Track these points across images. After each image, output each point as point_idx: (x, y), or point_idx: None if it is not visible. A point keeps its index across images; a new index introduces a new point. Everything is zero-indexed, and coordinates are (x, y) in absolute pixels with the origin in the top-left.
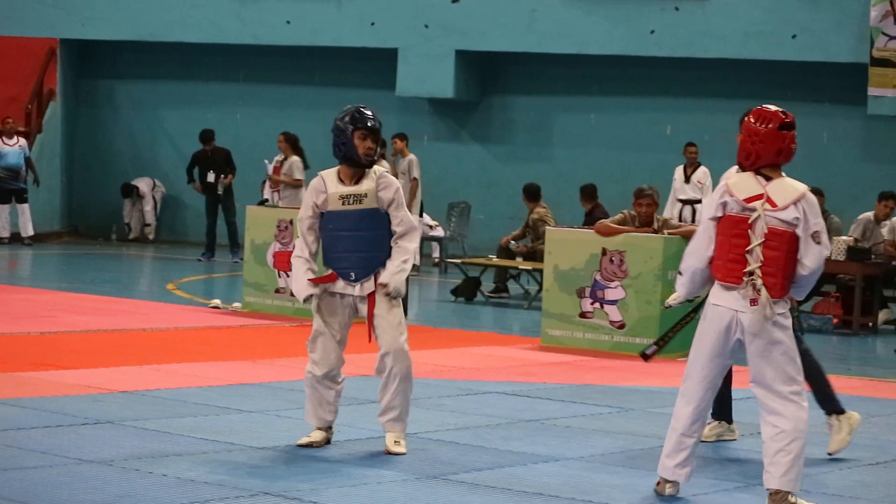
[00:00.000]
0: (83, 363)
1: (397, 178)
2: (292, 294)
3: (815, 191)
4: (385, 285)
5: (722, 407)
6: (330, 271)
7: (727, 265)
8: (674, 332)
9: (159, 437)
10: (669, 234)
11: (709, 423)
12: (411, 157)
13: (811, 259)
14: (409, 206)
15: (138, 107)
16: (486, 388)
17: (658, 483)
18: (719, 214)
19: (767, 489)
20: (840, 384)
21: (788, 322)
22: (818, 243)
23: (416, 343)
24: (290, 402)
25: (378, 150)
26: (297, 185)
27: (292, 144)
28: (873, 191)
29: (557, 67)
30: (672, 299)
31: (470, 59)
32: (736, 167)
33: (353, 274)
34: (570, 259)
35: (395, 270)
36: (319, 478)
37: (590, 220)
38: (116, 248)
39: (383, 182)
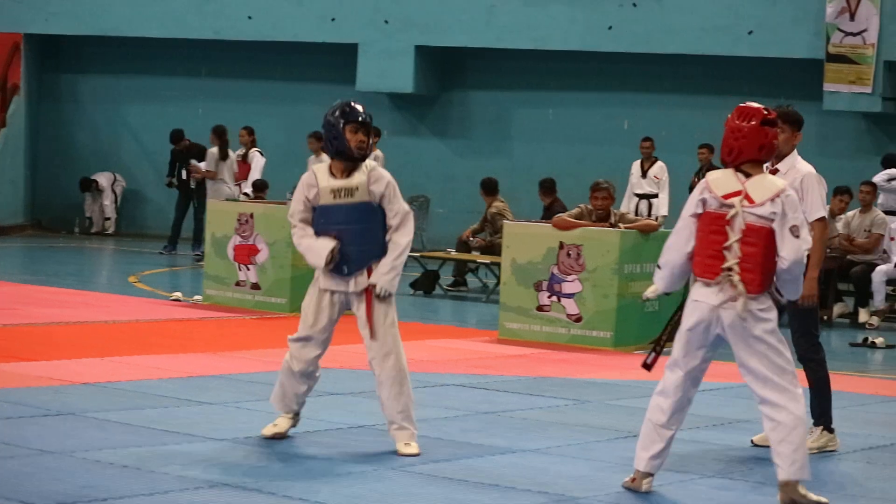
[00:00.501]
0: (45, 355)
1: None
2: (311, 265)
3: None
4: (374, 286)
5: (823, 413)
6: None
7: (706, 261)
8: (665, 333)
9: (121, 428)
10: (626, 228)
11: (811, 431)
12: (377, 152)
13: (788, 251)
14: None
15: (101, 101)
16: (444, 380)
17: (632, 478)
18: (699, 211)
19: (778, 481)
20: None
21: (771, 316)
22: (796, 237)
23: None
24: (250, 393)
25: (370, 142)
26: (210, 176)
27: (218, 135)
28: (828, 185)
29: (516, 62)
30: (650, 291)
31: (429, 54)
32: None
33: (346, 268)
34: (528, 253)
35: (386, 270)
36: (279, 469)
37: (549, 214)
38: (79, 242)
39: (374, 175)
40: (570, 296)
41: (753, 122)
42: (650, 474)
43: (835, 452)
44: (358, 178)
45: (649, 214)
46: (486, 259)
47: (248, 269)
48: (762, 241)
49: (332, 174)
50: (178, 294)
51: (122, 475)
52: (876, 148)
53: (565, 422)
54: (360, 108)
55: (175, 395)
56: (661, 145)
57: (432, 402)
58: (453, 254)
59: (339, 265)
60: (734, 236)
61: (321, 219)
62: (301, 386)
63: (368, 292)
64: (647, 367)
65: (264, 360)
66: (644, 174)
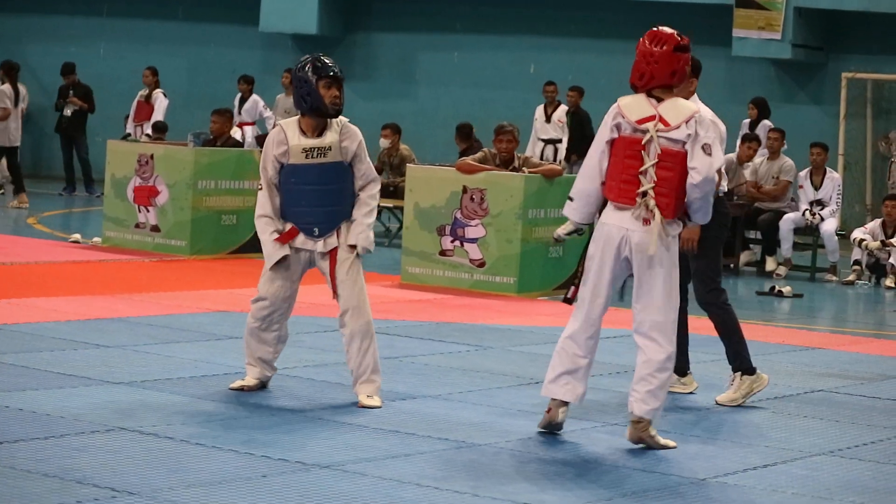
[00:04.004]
0: None
1: (277, 116)
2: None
3: (822, 145)
4: (354, 247)
5: (736, 355)
6: (290, 226)
7: (620, 186)
8: (582, 265)
9: (16, 371)
10: (530, 172)
11: (731, 379)
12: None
13: (699, 163)
14: None
15: (1, 40)
16: None
17: (548, 409)
18: (614, 136)
19: (630, 415)
20: (699, 325)
21: (676, 246)
22: (708, 154)
23: None
24: (148, 336)
25: (343, 97)
26: (3, 115)
27: (6, 71)
28: (737, 132)
29: (421, 5)
30: (562, 229)
31: None
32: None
33: (316, 230)
34: (431, 197)
35: (361, 230)
36: (175, 414)
37: None
38: None
39: (346, 132)
40: (473, 241)
41: (666, 48)
42: (566, 402)
43: (694, 399)
44: (330, 136)
45: (555, 159)
46: (389, 202)
47: (148, 210)
48: (678, 165)
49: (303, 131)
50: (76, 236)
51: (17, 418)
52: (785, 95)
53: (467, 368)
54: (329, 62)
55: (72, 337)
56: (566, 90)
57: (333, 346)
58: None
59: (310, 227)
60: (650, 161)
61: (291, 178)
62: (264, 347)
63: (334, 252)
64: (569, 301)
65: (162, 303)
66: (548, 119)
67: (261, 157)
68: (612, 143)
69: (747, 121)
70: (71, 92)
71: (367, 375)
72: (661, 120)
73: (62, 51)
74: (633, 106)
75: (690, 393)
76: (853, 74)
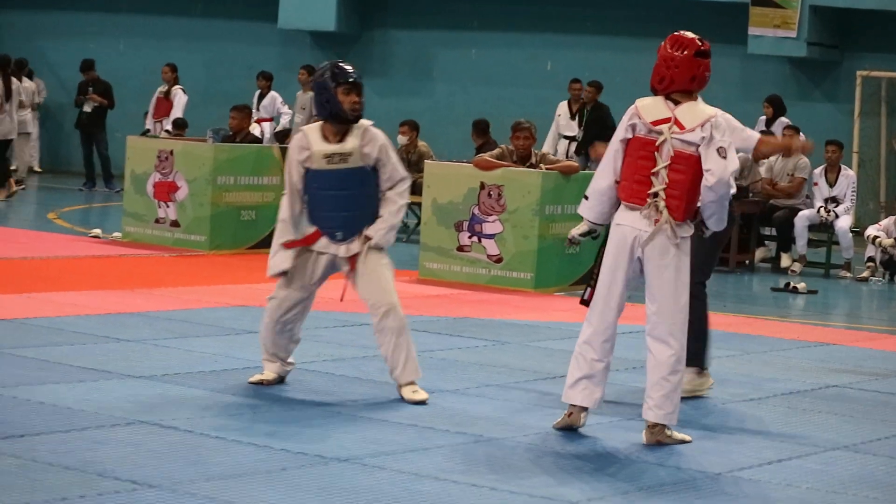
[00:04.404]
0: None
1: (295, 113)
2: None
3: (837, 143)
4: (370, 238)
5: (696, 353)
6: (314, 229)
7: (632, 186)
8: (598, 266)
9: (37, 364)
10: (547, 169)
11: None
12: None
13: (714, 165)
14: None
15: (20, 37)
16: (363, 319)
17: (569, 413)
18: (629, 136)
19: (645, 420)
20: (717, 321)
21: (686, 249)
22: (723, 158)
23: None
24: (168, 331)
25: (362, 102)
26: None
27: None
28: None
29: (438, 2)
30: (576, 230)
31: None
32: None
33: (339, 234)
34: (449, 193)
35: (382, 226)
36: (195, 407)
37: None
38: None
39: (368, 137)
40: (490, 236)
41: (687, 53)
42: (585, 408)
43: (709, 394)
44: (351, 142)
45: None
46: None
47: (168, 206)
48: (691, 168)
49: (325, 137)
50: (97, 231)
51: (38, 412)
52: (800, 93)
53: (484, 363)
54: (349, 68)
55: (92, 331)
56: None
57: (351, 341)
58: None
59: (332, 231)
60: (662, 162)
61: (314, 183)
62: (283, 340)
63: (354, 259)
64: (585, 302)
65: (182, 297)
66: (573, 116)
67: (286, 167)
68: (626, 142)
69: (763, 118)
70: (90, 88)
71: (400, 370)
72: (676, 122)
73: (81, 47)
74: (651, 107)
75: (707, 389)
76: (868, 73)
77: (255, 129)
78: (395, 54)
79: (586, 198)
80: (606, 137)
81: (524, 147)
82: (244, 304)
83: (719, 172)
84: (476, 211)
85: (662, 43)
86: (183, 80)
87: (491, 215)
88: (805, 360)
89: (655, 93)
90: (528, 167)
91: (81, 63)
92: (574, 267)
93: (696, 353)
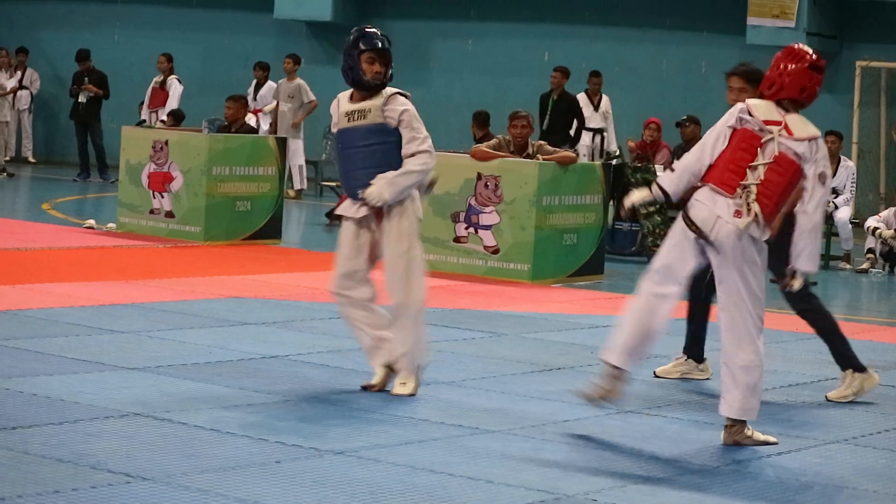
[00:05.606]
0: None
1: (280, 102)
2: None
3: (836, 134)
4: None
5: (693, 343)
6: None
7: (725, 173)
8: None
9: (30, 356)
10: (545, 159)
11: (675, 359)
12: (299, 80)
13: (814, 204)
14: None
15: (15, 27)
16: None
17: (615, 373)
18: (737, 126)
19: (724, 416)
20: (715, 313)
21: (764, 251)
22: (822, 184)
23: (290, 265)
24: (162, 322)
25: (388, 72)
26: None
27: None
28: None
29: None
30: (637, 197)
31: None
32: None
33: (360, 192)
34: (445, 183)
35: (381, 181)
36: (189, 399)
37: None
38: None
39: (391, 100)
40: (487, 227)
41: (801, 64)
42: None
43: (708, 386)
44: (373, 101)
45: (602, 148)
46: None
47: (163, 196)
48: (789, 173)
49: (352, 99)
50: (91, 221)
51: (31, 403)
52: None
53: (480, 354)
54: (377, 32)
55: (86, 323)
56: (580, 77)
57: (346, 332)
58: None
59: (355, 190)
60: (763, 159)
61: (339, 143)
62: (364, 325)
63: (379, 213)
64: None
65: (177, 289)
66: (596, 108)
67: None
68: (732, 130)
69: None
70: (86, 78)
71: (398, 355)
72: (786, 128)
73: (76, 37)
74: (763, 108)
75: (706, 379)
76: (867, 63)
77: (250, 120)
78: (391, 44)
79: (672, 169)
80: (568, 127)
81: (521, 136)
82: (239, 296)
83: (816, 209)
84: (473, 202)
85: (778, 52)
86: (179, 70)
87: (488, 206)
88: (804, 352)
89: (763, 97)
90: (525, 157)
91: (77, 53)
92: (571, 258)
93: (842, 356)
